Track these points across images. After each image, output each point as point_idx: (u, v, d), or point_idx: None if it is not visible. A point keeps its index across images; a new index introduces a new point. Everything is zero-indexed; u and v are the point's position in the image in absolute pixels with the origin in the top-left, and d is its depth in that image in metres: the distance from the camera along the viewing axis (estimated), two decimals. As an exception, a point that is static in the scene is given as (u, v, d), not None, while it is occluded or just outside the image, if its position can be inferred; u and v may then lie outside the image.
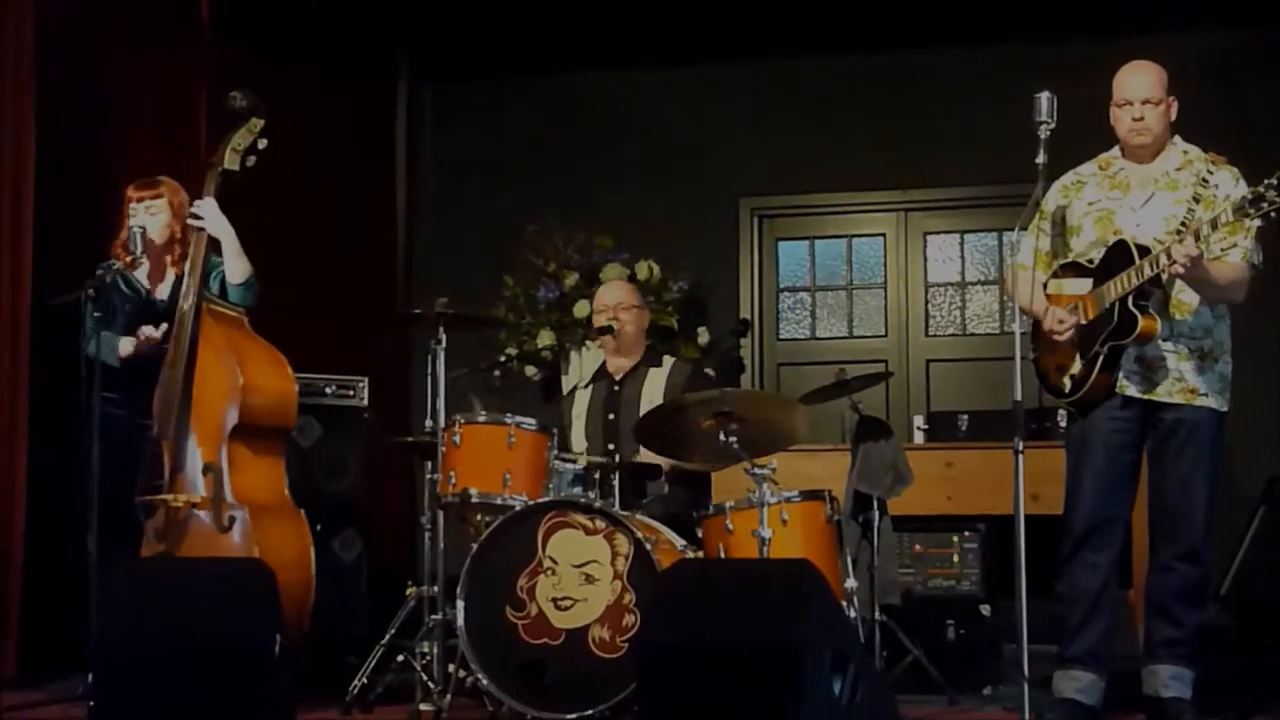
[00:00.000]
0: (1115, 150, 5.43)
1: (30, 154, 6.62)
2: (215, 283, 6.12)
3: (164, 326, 6.04)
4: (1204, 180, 5.22)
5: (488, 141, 9.12)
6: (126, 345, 6.10)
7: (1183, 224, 5.12)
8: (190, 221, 6.10)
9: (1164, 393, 5.24)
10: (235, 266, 6.09)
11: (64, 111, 6.83)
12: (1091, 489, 5.30)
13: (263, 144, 6.09)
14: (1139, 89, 5.28)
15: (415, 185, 9.30)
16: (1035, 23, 8.11)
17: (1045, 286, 5.40)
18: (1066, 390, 5.32)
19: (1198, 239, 4.96)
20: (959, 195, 8.73)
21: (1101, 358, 5.20)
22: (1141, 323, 5.11)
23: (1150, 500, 5.38)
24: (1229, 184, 5.22)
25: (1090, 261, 5.30)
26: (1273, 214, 4.82)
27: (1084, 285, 5.28)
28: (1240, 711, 5.46)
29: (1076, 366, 5.27)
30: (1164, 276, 5.10)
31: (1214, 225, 4.96)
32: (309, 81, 8.01)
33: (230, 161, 6.08)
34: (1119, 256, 5.17)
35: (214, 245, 6.07)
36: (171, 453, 5.90)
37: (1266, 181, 4.82)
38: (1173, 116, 5.35)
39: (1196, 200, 5.18)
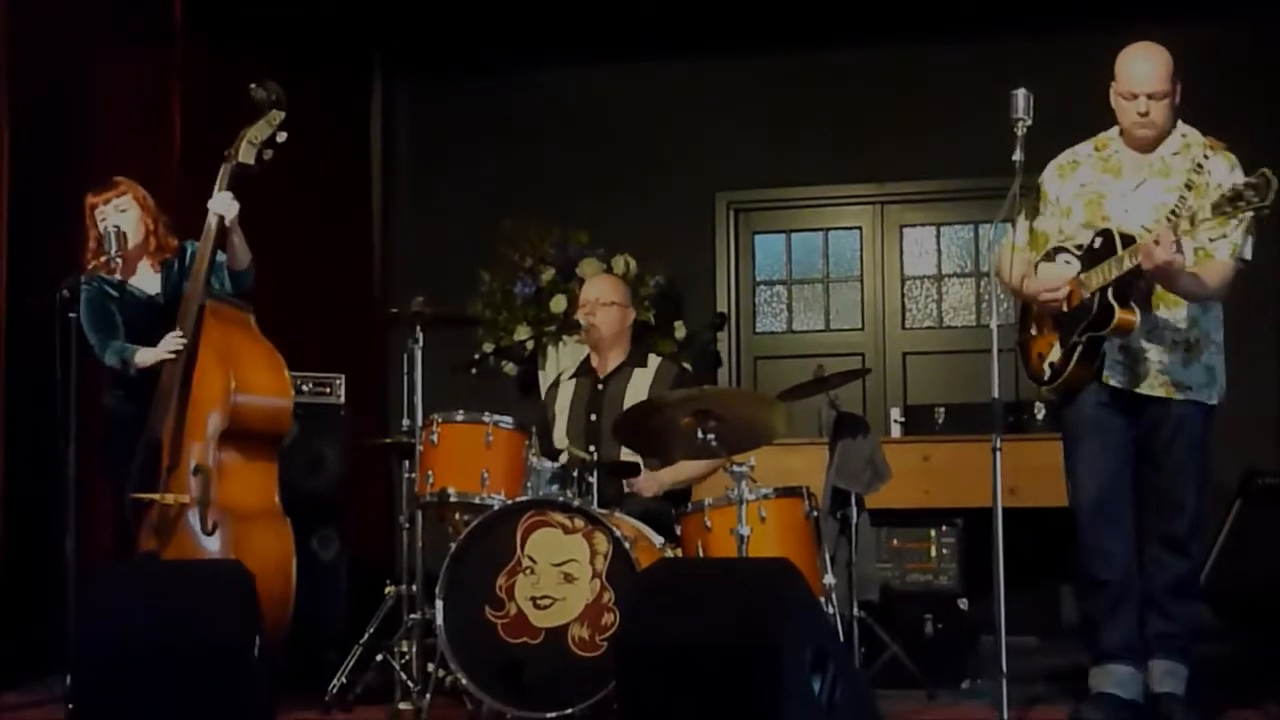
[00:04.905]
0: (1114, 130, 5.21)
1: (4, 159, 6.59)
2: (216, 281, 5.99)
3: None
4: (1198, 166, 5.05)
5: (463, 138, 9.10)
6: (146, 356, 5.87)
7: (1172, 212, 4.96)
8: (217, 208, 5.88)
9: (1147, 387, 5.12)
10: (243, 256, 5.98)
11: (37, 117, 6.79)
12: (1088, 476, 5.18)
13: (282, 137, 5.93)
14: (1145, 82, 5.06)
15: (391, 182, 9.29)
16: (1013, 17, 8.09)
17: (1035, 269, 5.26)
18: (1045, 378, 5.23)
19: (1177, 238, 4.80)
20: (935, 188, 8.75)
21: (1080, 348, 5.07)
22: (1118, 315, 4.97)
23: (1138, 493, 5.23)
24: (1223, 171, 5.05)
25: (1079, 247, 5.16)
26: (1249, 213, 4.73)
27: (1070, 271, 5.12)
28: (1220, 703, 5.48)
29: (1055, 354, 5.16)
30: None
31: (1192, 221, 4.83)
32: (284, 82, 7.95)
33: (246, 155, 5.88)
34: (1104, 245, 5.05)
35: (218, 243, 5.92)
36: (169, 450, 5.82)
37: (1246, 180, 4.71)
38: (1177, 101, 5.15)
39: (1189, 187, 5.01)
